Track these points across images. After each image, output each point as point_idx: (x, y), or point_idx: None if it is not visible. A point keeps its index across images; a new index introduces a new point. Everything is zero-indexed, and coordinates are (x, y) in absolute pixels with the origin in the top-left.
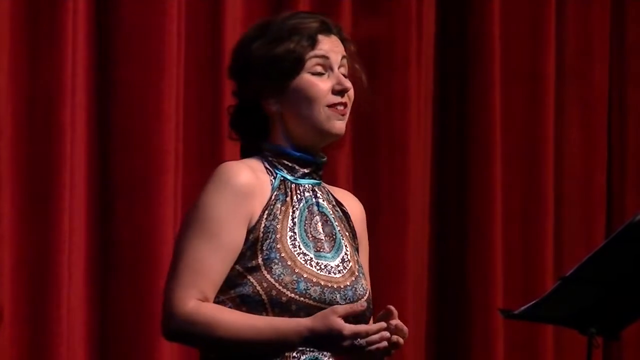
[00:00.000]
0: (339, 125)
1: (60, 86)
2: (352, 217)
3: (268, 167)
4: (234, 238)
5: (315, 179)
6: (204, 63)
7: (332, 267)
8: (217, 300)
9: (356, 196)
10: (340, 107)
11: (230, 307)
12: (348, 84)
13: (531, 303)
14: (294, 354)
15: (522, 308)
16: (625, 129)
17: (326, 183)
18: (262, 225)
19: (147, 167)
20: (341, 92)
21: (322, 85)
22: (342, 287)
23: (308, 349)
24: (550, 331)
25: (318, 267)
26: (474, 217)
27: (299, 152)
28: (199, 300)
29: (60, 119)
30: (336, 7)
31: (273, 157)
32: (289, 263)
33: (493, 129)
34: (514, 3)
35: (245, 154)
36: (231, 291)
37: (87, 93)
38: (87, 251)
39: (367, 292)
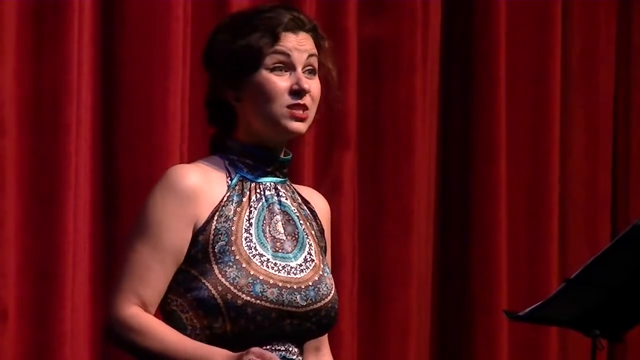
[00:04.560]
0: (297, 125)
1: (65, 85)
2: (319, 216)
3: (228, 166)
4: (175, 241)
5: (278, 177)
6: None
7: (292, 267)
8: (174, 304)
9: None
10: (299, 112)
11: (187, 310)
12: (306, 85)
13: (536, 305)
14: None
15: (527, 310)
16: (630, 131)
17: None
18: (213, 227)
19: (152, 167)
20: (298, 92)
21: (280, 84)
22: (303, 287)
23: (275, 347)
24: (555, 333)
25: (276, 268)
26: (478, 218)
27: (261, 149)
28: (140, 309)
29: (65, 119)
30: (341, 9)
31: (235, 155)
32: (244, 265)
33: (498, 131)
34: (520, 5)
35: (213, 149)
36: (188, 294)
37: (92, 93)
38: (91, 251)
39: (332, 292)
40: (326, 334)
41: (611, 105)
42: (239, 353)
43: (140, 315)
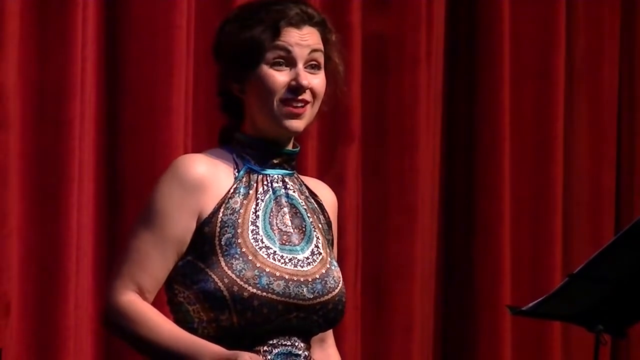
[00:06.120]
0: (293, 124)
1: (69, 81)
2: (327, 208)
3: (236, 157)
4: (177, 231)
5: (286, 169)
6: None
7: (299, 259)
8: (182, 296)
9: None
10: (296, 108)
11: (194, 303)
12: (304, 81)
13: (539, 300)
14: (265, 348)
15: (530, 305)
16: (635, 128)
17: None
18: (219, 219)
19: (156, 163)
20: (296, 89)
21: (279, 79)
22: (310, 280)
23: (282, 342)
24: (558, 328)
25: (282, 261)
26: (482, 215)
27: (267, 141)
28: (137, 296)
29: (69, 114)
30: (346, 5)
31: (242, 147)
32: (250, 258)
33: (502, 128)
34: (524, 1)
35: (222, 141)
36: (194, 286)
37: (96, 88)
38: (94, 246)
39: (339, 286)
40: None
41: (615, 102)
42: (225, 353)
43: (137, 303)
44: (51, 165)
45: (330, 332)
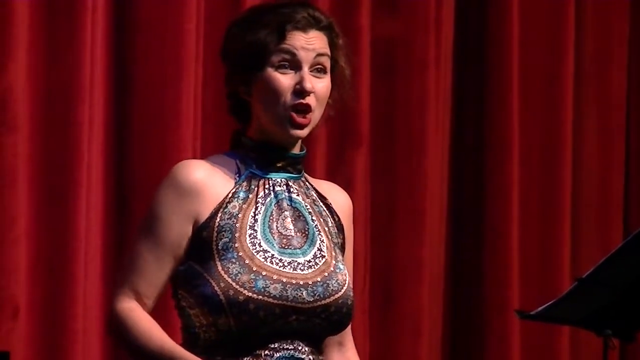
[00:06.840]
0: (296, 132)
1: (78, 84)
2: (338, 211)
3: (239, 163)
4: (172, 235)
5: (291, 173)
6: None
7: (299, 263)
8: (184, 301)
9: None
10: (300, 118)
11: (194, 307)
12: (308, 84)
13: (547, 304)
14: (267, 351)
15: (539, 309)
16: None
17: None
18: (216, 224)
19: (164, 166)
20: (300, 92)
21: (284, 82)
22: (310, 283)
23: (283, 346)
24: (567, 332)
25: (281, 264)
26: (491, 218)
27: (272, 145)
28: (136, 303)
29: (77, 117)
30: (355, 8)
31: (246, 151)
32: (247, 262)
33: (511, 131)
34: (533, 5)
35: (232, 146)
36: (194, 291)
37: (105, 91)
38: (103, 249)
39: (344, 289)
40: (349, 329)
41: (624, 105)
42: None
43: (133, 310)
44: (59, 168)
45: (349, 336)
